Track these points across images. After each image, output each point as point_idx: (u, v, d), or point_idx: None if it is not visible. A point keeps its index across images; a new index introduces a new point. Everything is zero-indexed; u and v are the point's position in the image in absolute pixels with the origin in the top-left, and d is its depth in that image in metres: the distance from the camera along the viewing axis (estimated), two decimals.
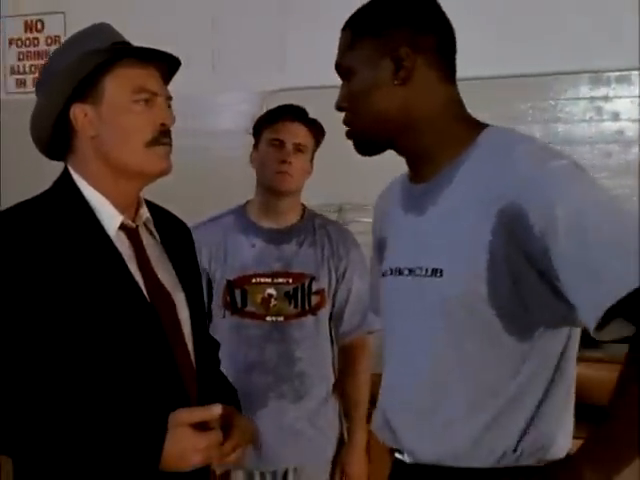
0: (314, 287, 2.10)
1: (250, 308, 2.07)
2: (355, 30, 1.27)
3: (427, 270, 1.21)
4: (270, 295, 2.08)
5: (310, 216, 2.17)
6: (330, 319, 2.16)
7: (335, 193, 3.22)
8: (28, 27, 4.21)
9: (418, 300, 1.23)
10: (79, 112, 1.33)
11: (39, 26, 4.21)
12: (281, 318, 2.08)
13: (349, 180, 3.06)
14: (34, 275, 1.26)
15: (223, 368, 2.07)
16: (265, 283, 2.07)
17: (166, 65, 1.42)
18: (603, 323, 1.05)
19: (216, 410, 1.29)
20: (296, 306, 2.08)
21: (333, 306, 2.15)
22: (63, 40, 4.23)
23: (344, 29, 1.29)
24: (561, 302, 1.11)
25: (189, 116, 4.03)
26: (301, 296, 2.09)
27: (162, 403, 1.31)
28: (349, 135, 1.30)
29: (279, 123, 2.07)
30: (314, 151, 2.13)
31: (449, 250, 1.19)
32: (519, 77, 3.22)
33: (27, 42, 4.20)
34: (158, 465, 1.24)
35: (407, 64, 1.22)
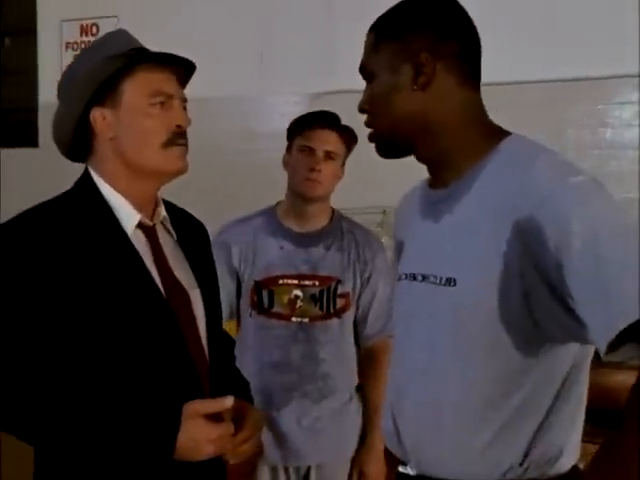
0: (339, 290, 2.14)
1: (276, 309, 2.12)
2: (378, 33, 1.29)
3: (441, 279, 1.22)
4: (296, 296, 2.12)
5: (338, 220, 2.21)
6: (354, 322, 2.19)
7: (379, 196, 3.23)
8: (84, 31, 4.34)
9: (429, 307, 1.24)
10: (98, 116, 1.40)
11: (94, 30, 4.33)
12: (306, 320, 2.12)
13: (393, 183, 3.08)
14: (54, 272, 1.31)
15: (249, 366, 2.14)
16: (292, 285, 2.12)
17: (183, 69, 1.47)
18: (614, 345, 1.04)
19: (228, 402, 1.33)
20: (321, 308, 2.12)
21: (357, 309, 2.18)
22: None
23: (369, 32, 1.31)
24: (572, 319, 1.10)
25: (236, 117, 4.12)
26: (327, 299, 2.13)
27: (177, 395, 1.36)
28: (371, 138, 1.32)
29: (310, 130, 2.11)
30: (346, 157, 2.16)
31: (463, 260, 1.20)
32: (569, 81, 3.20)
33: (82, 45, 4.32)
34: (172, 454, 1.30)
35: (427, 70, 1.23)
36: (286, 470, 2.19)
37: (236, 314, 2.21)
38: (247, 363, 2.15)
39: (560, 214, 1.08)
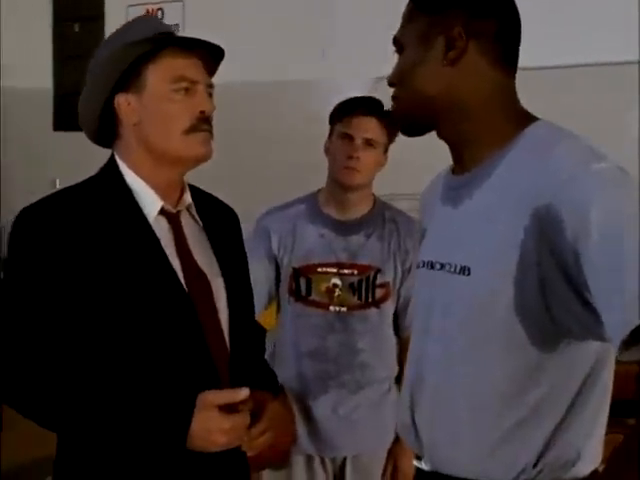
0: (379, 280, 2.10)
1: (314, 297, 2.10)
2: (416, 3, 1.25)
3: (456, 267, 1.18)
4: (335, 285, 2.09)
5: (380, 208, 2.16)
6: (395, 313, 2.15)
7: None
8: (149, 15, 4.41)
9: (444, 297, 1.21)
10: (123, 101, 1.39)
11: (159, 14, 4.40)
12: (344, 309, 2.09)
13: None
14: (74, 256, 1.32)
15: (287, 353, 2.13)
16: (330, 273, 2.09)
17: (210, 56, 1.44)
18: (629, 342, 0.98)
19: (243, 393, 1.32)
20: (360, 298, 2.09)
21: (398, 300, 2.14)
22: (182, 28, 4.42)
23: (408, 2, 1.27)
24: (589, 314, 1.05)
25: (300, 101, 4.12)
26: (365, 288, 2.09)
27: (192, 385, 1.35)
28: (394, 112, 1.29)
29: (350, 117, 2.06)
30: (388, 144, 2.11)
31: (479, 248, 1.16)
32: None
33: None
34: (184, 443, 1.29)
35: (458, 45, 1.19)
36: (322, 460, 2.17)
37: (277, 302, 2.20)
38: (285, 350, 2.16)
39: (579, 200, 1.03)
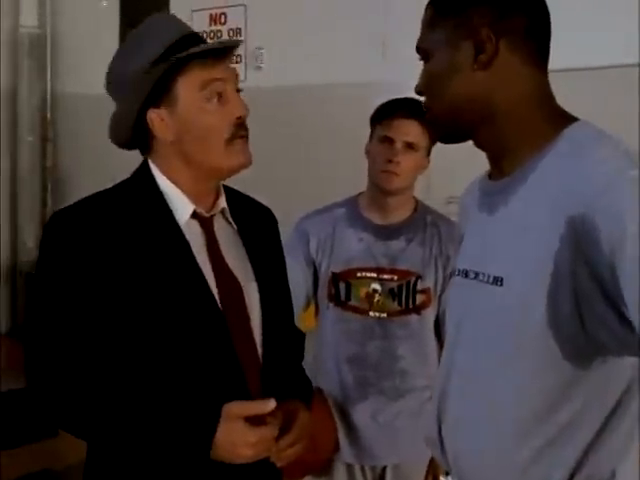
0: (419, 286, 2.05)
1: (353, 302, 2.07)
2: (437, 8, 1.19)
3: (489, 277, 1.13)
4: (375, 290, 2.06)
5: (422, 212, 2.12)
6: (437, 319, 2.10)
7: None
8: (212, 20, 4.46)
9: (477, 307, 1.16)
10: (155, 117, 1.35)
11: (222, 19, 4.44)
12: (384, 315, 2.06)
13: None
14: (104, 261, 1.31)
15: (327, 358, 2.11)
16: (370, 278, 2.06)
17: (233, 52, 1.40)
18: None
19: (270, 405, 1.28)
20: (400, 304, 2.05)
21: (440, 306, 2.09)
22: (244, 32, 4.45)
23: (427, 7, 1.21)
24: (626, 329, 0.99)
25: (360, 103, 4.08)
26: (405, 294, 2.05)
27: (220, 395, 1.32)
28: (429, 120, 1.24)
29: (390, 119, 2.02)
30: (430, 147, 2.07)
31: (513, 258, 1.10)
32: None
33: (211, 34, 4.44)
34: (208, 454, 1.27)
35: (488, 47, 1.12)
36: (362, 468, 2.14)
37: (315, 305, 2.18)
38: (325, 355, 2.14)
39: (616, 211, 0.97)
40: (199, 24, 4.45)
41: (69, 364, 1.32)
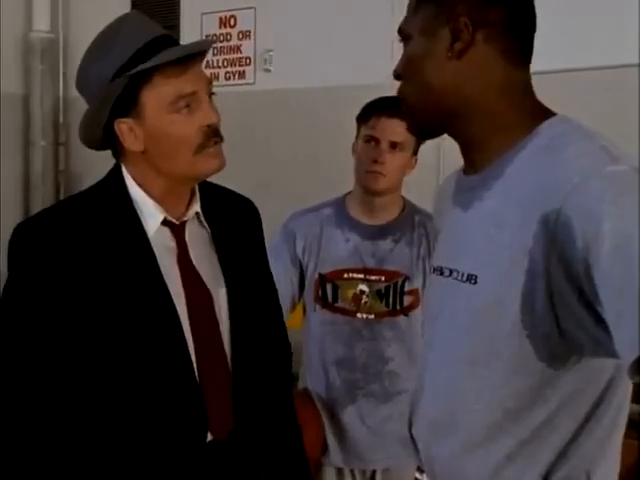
0: (407, 287, 2.02)
1: (341, 304, 2.05)
2: None
3: (463, 275, 1.11)
4: (362, 291, 2.03)
5: (410, 212, 2.09)
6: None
7: None
8: (222, 23, 4.46)
9: (451, 305, 1.14)
10: (124, 127, 1.32)
11: (232, 22, 4.44)
12: (372, 316, 2.03)
13: None
14: (70, 272, 1.29)
15: (314, 360, 2.09)
16: (357, 279, 2.03)
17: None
18: None
19: None
20: (387, 305, 2.03)
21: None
22: (253, 34, 4.44)
23: None
24: (602, 331, 0.95)
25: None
26: (393, 295, 2.02)
27: (177, 417, 1.32)
28: (404, 112, 1.22)
29: (376, 118, 1.99)
30: (417, 146, 2.03)
31: (486, 255, 1.07)
32: None
33: (221, 37, 4.45)
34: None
35: (464, 37, 1.10)
36: (352, 472, 2.12)
37: (302, 307, 2.15)
38: (312, 357, 2.12)
39: (591, 207, 0.94)
40: (209, 27, 4.46)
41: (31, 376, 1.29)
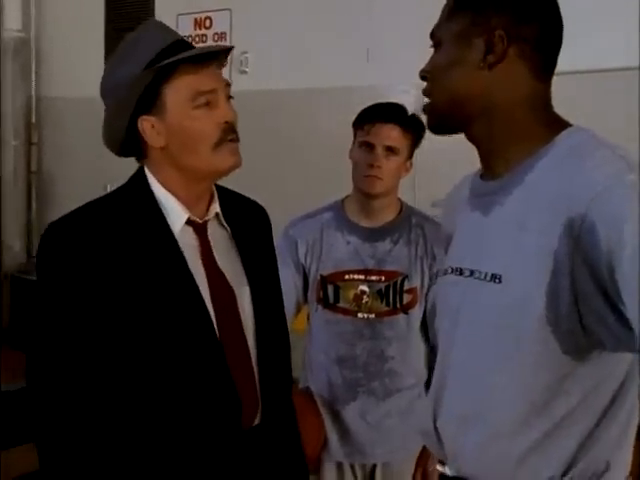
0: (406, 286, 2.09)
1: (342, 304, 2.11)
2: (457, 1, 1.22)
3: (486, 274, 1.16)
4: (362, 292, 2.09)
5: (407, 214, 2.16)
6: (423, 318, 2.14)
7: None
8: (197, 24, 4.49)
9: (474, 304, 1.19)
10: (146, 124, 1.38)
11: (207, 23, 4.46)
12: (372, 315, 2.09)
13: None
14: (100, 272, 1.33)
15: (317, 360, 2.14)
16: (358, 280, 2.10)
17: (224, 55, 1.43)
18: None
19: None
20: (387, 304, 2.09)
21: (426, 305, 2.13)
22: (229, 36, 4.47)
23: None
24: (623, 326, 1.03)
25: (345, 107, 4.12)
26: (392, 294, 2.09)
27: (209, 405, 1.37)
28: (425, 108, 1.27)
29: (371, 124, 2.05)
30: (412, 150, 2.11)
31: (511, 256, 1.14)
32: None
33: (196, 38, 4.47)
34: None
35: (498, 49, 1.16)
36: (352, 467, 2.17)
37: (307, 308, 2.21)
38: (314, 356, 2.17)
39: (614, 214, 1.01)
40: (184, 28, 4.47)
41: (68, 374, 1.34)
